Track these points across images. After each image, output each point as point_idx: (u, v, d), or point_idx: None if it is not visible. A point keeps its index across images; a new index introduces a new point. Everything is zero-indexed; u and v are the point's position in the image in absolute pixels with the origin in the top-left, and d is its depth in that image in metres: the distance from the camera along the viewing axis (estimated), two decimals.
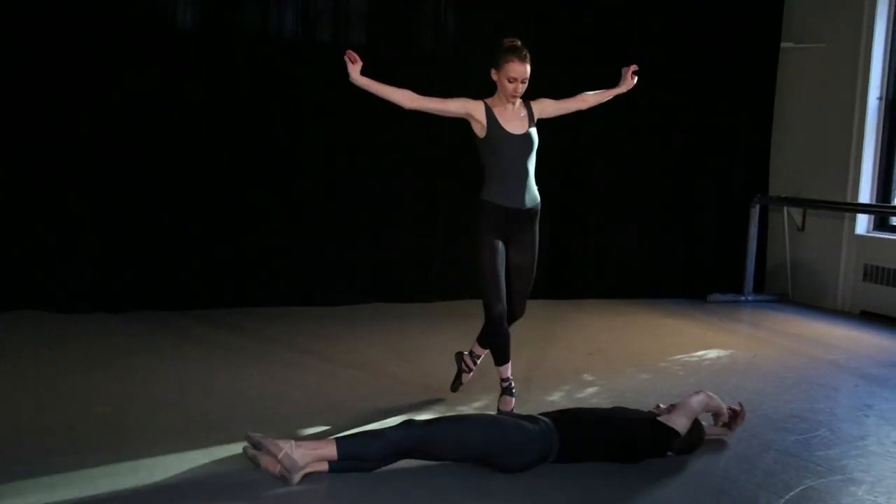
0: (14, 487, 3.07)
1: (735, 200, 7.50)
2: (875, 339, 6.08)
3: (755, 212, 7.40)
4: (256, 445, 3.28)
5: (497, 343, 4.03)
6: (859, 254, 7.00)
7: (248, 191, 6.38)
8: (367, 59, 3.80)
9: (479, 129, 3.90)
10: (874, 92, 6.90)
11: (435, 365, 4.88)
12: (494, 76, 3.88)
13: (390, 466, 3.27)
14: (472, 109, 3.89)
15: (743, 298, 7.40)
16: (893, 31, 6.83)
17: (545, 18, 6.85)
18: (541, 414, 3.52)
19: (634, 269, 7.39)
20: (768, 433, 3.89)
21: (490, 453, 3.28)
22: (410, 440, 3.23)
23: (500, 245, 3.93)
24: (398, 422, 3.38)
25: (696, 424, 3.57)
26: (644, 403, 4.09)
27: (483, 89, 3.97)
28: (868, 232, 7.06)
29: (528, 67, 3.83)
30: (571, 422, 3.45)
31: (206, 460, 3.38)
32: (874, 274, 6.82)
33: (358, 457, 3.23)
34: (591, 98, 4.17)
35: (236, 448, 3.46)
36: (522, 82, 3.84)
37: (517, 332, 4.07)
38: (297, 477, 3.14)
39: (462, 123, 3.98)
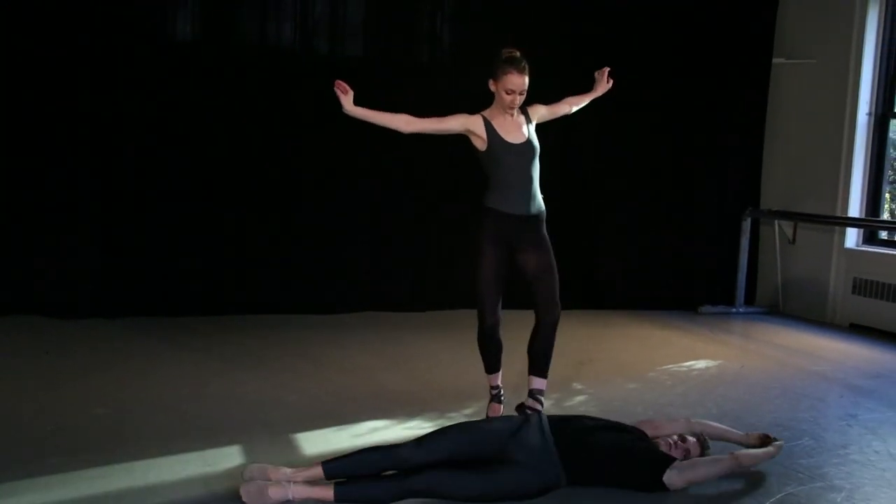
0: (11, 487, 3.14)
1: (727, 213, 7.55)
2: (863, 351, 6.13)
3: (747, 225, 7.46)
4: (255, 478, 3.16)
5: (490, 351, 4.06)
6: (849, 267, 7.06)
7: (244, 199, 6.47)
8: (364, 72, 3.85)
9: (480, 144, 3.88)
10: (864, 107, 6.98)
11: (427, 373, 4.95)
12: (492, 87, 3.85)
13: None
14: (470, 125, 3.86)
15: (734, 310, 7.45)
16: (883, 48, 6.91)
17: (541, 33, 6.90)
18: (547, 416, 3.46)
19: (626, 281, 7.43)
20: None
21: (492, 496, 3.17)
22: (408, 494, 3.11)
23: (504, 256, 3.90)
24: (390, 442, 3.33)
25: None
26: (632, 412, 4.15)
27: (480, 102, 3.97)
28: (857, 246, 7.13)
29: (527, 79, 3.79)
30: (576, 442, 3.34)
31: (200, 463, 3.45)
32: (863, 287, 6.89)
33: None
34: (574, 102, 4.21)
35: (230, 451, 3.54)
36: (521, 94, 3.80)
37: (507, 341, 4.12)
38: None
39: (459, 136, 3.95)
